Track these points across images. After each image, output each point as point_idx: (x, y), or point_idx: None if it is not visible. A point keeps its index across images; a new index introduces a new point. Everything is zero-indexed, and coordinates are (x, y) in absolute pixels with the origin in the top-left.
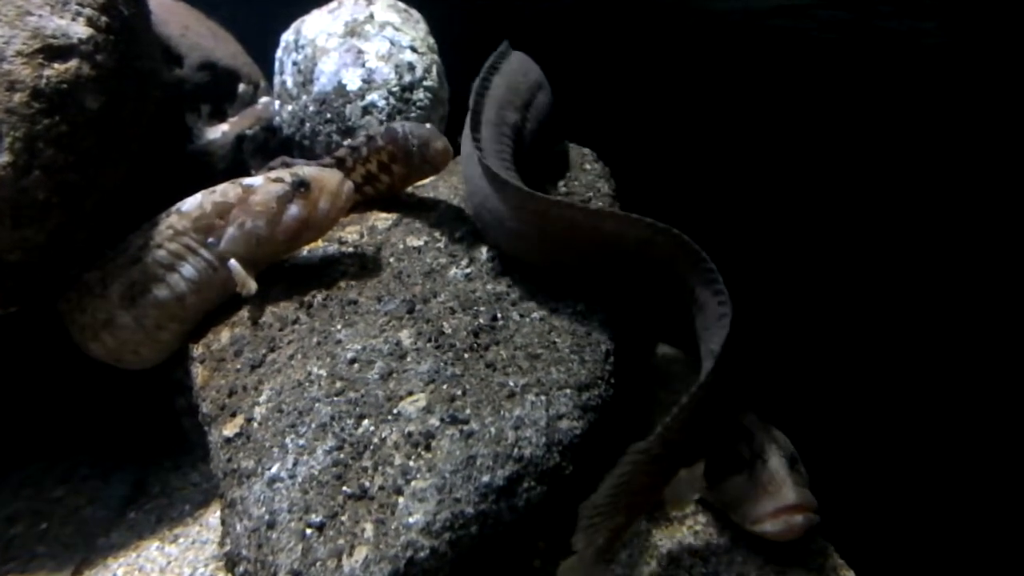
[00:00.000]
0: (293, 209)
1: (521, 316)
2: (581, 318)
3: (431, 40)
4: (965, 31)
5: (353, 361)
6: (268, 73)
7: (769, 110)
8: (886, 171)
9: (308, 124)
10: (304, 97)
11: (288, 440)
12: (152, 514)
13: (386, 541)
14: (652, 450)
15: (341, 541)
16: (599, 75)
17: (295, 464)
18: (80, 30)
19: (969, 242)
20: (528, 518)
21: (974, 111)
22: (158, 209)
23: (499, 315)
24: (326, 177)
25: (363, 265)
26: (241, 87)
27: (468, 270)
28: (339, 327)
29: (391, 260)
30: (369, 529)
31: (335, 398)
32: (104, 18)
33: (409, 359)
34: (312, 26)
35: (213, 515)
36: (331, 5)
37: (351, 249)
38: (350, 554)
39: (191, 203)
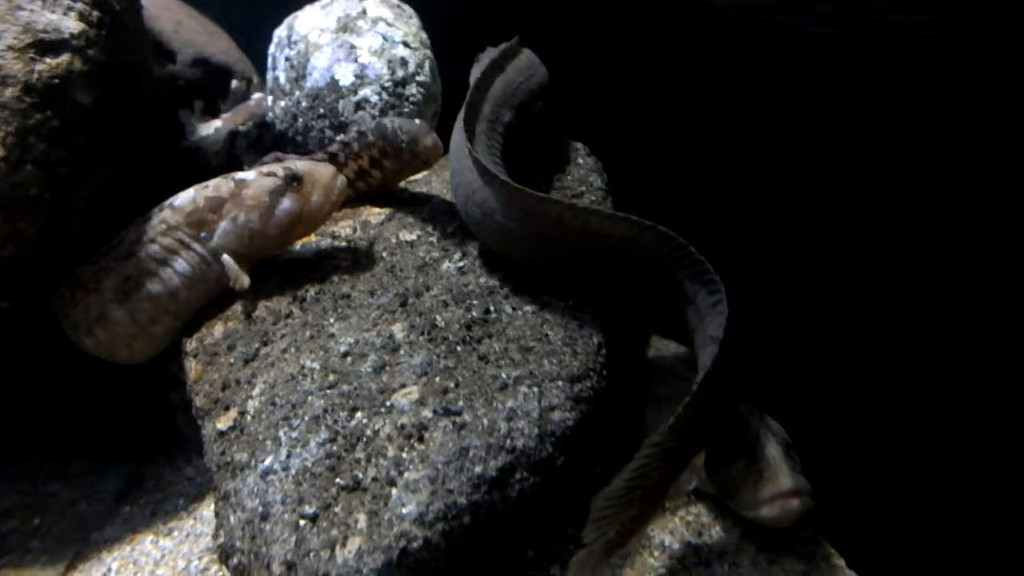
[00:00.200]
0: (286, 203)
1: (514, 309)
2: (573, 311)
3: (424, 35)
4: (962, 24)
5: (346, 354)
6: (261, 69)
7: (766, 104)
8: (882, 164)
9: (301, 120)
10: (297, 93)
11: (281, 433)
12: (146, 508)
13: (379, 532)
14: (665, 443)
15: (334, 532)
16: (593, 69)
17: (288, 456)
18: (72, 25)
19: (966, 235)
20: (521, 509)
21: (971, 104)
22: (151, 204)
23: (492, 308)
24: (319, 171)
25: (356, 259)
26: (234, 83)
27: (461, 264)
28: (332, 321)
29: (384, 254)
30: (362, 520)
31: (328, 391)
32: (96, 13)
33: (402, 352)
34: (305, 22)
35: (207, 508)
36: (323, 1)
37: (344, 243)
38: (343, 545)
39: (184, 198)
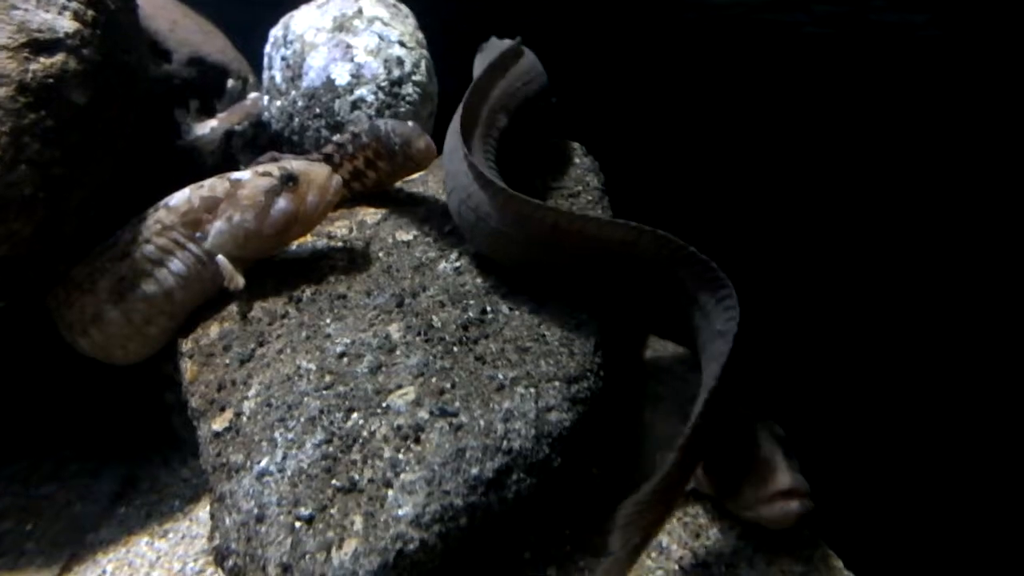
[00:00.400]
0: (281, 203)
1: (510, 309)
2: (570, 311)
3: (420, 35)
4: (959, 24)
5: (342, 355)
6: (257, 68)
7: (763, 104)
8: (879, 164)
9: (297, 119)
10: (293, 92)
11: (277, 434)
12: (142, 509)
13: (375, 534)
14: (690, 444)
15: (330, 534)
16: (589, 68)
17: (284, 458)
18: (66, 24)
19: (964, 235)
20: (517, 510)
21: (968, 104)
22: (146, 204)
23: (488, 308)
24: (314, 171)
25: (352, 259)
26: (230, 82)
27: (457, 264)
28: (328, 321)
29: (380, 254)
30: (358, 522)
31: (324, 392)
32: (90, 12)
33: (398, 352)
34: (301, 21)
35: (203, 510)
36: (319, 0)
37: (340, 244)
38: (339, 547)
39: (179, 198)
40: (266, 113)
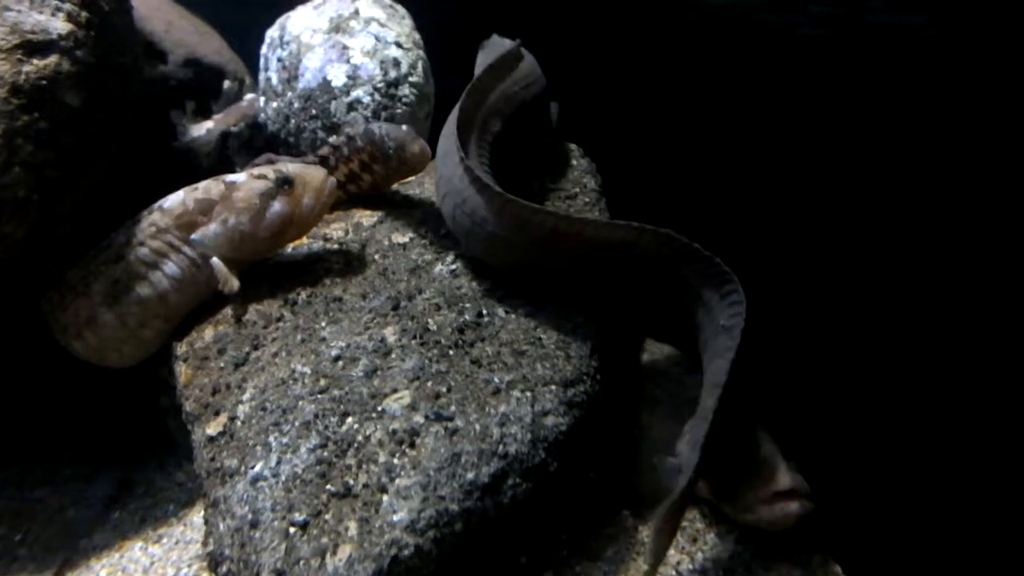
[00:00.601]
0: (276, 206)
1: (507, 312)
2: (567, 314)
3: (417, 36)
4: (956, 25)
5: (337, 358)
6: (253, 70)
7: (761, 105)
8: (877, 165)
9: (293, 121)
10: (289, 94)
11: (272, 438)
12: (136, 514)
13: (370, 539)
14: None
15: (325, 540)
16: (587, 69)
17: (279, 463)
18: (60, 26)
19: (962, 235)
20: (513, 515)
21: (966, 105)
22: (142, 206)
23: (485, 311)
24: (310, 173)
25: (348, 262)
26: (226, 84)
27: (454, 267)
28: (323, 324)
29: (376, 257)
30: (353, 527)
31: (319, 396)
32: (84, 14)
33: (394, 356)
34: (297, 22)
35: (197, 515)
36: (316, 1)
37: (336, 246)
38: (334, 553)
39: (174, 200)
40: (262, 114)
